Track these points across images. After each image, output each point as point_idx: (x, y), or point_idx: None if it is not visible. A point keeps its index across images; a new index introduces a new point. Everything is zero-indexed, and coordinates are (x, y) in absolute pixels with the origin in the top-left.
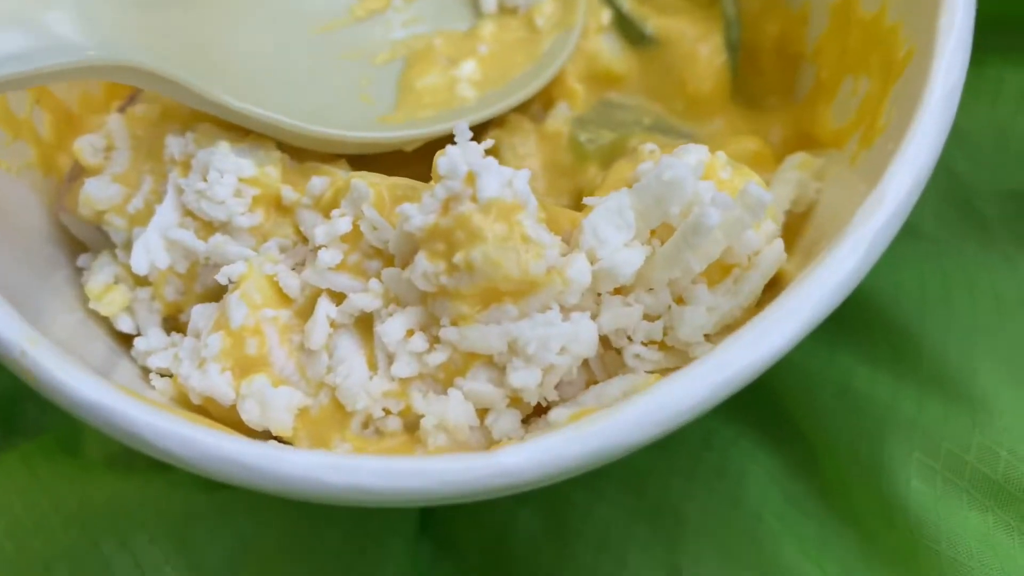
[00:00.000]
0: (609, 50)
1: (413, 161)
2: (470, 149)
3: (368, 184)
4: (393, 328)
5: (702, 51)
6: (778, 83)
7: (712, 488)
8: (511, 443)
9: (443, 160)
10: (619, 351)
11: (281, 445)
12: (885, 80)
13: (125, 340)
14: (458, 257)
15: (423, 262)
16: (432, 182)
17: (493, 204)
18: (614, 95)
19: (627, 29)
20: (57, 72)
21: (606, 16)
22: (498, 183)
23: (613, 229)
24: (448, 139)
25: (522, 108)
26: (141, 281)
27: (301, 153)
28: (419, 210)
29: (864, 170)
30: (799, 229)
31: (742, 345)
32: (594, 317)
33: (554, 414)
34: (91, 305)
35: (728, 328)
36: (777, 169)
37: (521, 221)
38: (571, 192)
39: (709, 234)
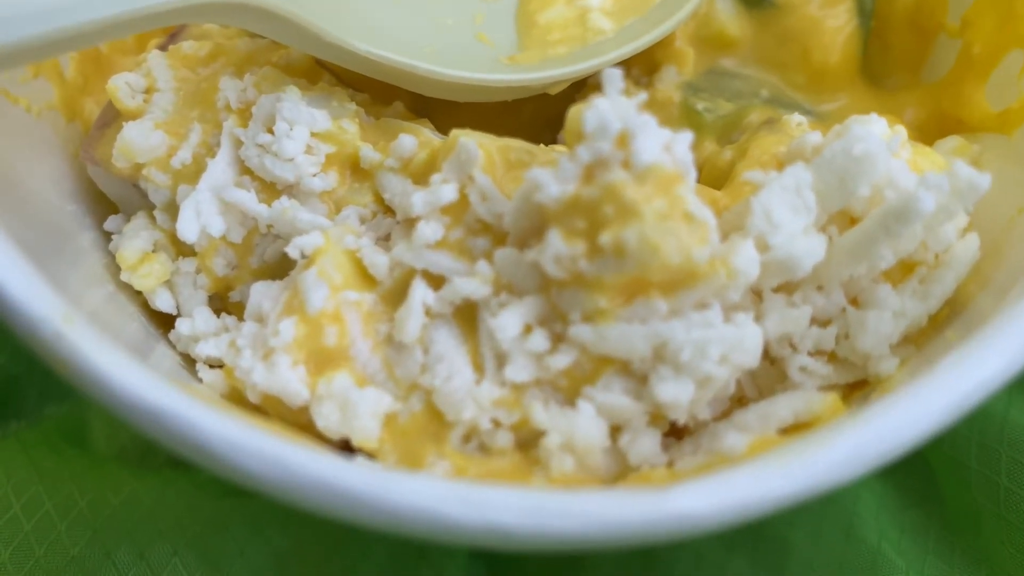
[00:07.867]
0: (724, 11)
1: (502, 115)
2: (622, 103)
3: (477, 144)
4: (509, 322)
5: (830, 17)
6: (906, 59)
7: (821, 515)
8: (682, 477)
9: (591, 115)
10: (775, 361)
11: (376, 463)
12: None
13: (162, 320)
14: (605, 237)
15: (557, 242)
16: (562, 142)
17: (651, 172)
18: (726, 62)
19: None
20: (163, 14)
21: None
22: (657, 146)
23: (789, 211)
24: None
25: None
26: (185, 251)
27: (374, 108)
28: (555, 177)
29: None
30: None
31: (980, 357)
32: (755, 319)
33: (730, 441)
34: (123, 277)
35: (907, 340)
36: None
37: (683, 195)
38: None
39: (917, 222)
